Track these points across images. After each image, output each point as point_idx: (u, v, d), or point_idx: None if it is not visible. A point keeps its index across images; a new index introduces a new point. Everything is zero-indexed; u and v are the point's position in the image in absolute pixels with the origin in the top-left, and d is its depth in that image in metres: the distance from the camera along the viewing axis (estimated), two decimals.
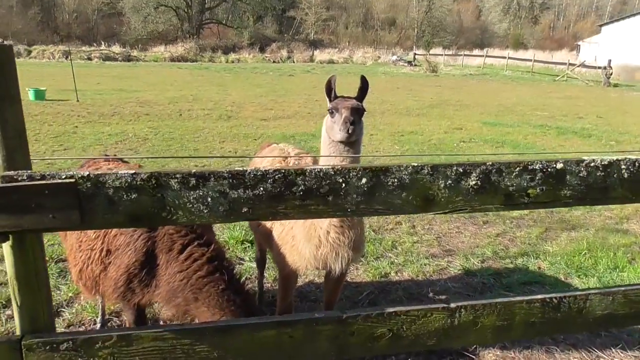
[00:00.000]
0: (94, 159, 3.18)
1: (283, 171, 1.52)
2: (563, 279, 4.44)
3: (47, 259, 4.25)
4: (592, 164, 1.73)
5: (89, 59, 36.82)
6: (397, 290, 4.16)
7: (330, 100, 2.39)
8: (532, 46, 59.81)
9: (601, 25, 49.67)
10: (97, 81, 21.17)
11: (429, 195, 1.64)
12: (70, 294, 3.70)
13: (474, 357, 3.23)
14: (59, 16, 53.68)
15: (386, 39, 62.37)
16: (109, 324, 3.38)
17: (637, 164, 1.72)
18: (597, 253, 4.92)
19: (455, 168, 1.64)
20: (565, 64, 35.61)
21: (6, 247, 1.47)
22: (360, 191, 1.58)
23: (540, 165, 1.69)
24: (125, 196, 1.43)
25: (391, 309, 1.81)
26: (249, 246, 4.77)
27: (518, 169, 1.69)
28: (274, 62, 43.35)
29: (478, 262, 4.79)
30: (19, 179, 1.37)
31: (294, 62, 44.33)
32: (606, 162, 1.73)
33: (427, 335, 1.84)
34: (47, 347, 1.52)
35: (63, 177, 1.40)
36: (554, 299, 1.94)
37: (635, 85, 29.90)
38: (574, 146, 10.84)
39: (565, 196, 1.75)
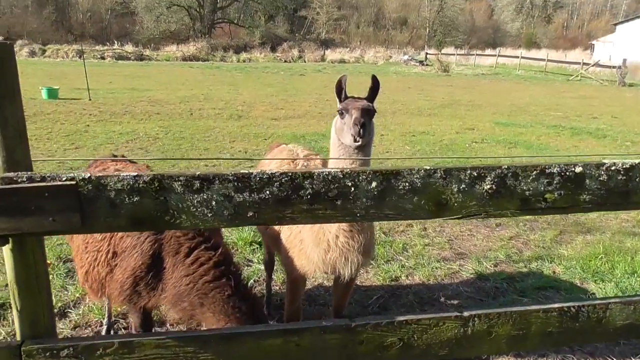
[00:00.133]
0: (99, 159, 3.15)
1: (290, 174, 1.47)
2: (579, 284, 4.33)
3: (55, 258, 4.26)
4: (613, 168, 1.66)
5: (102, 58, 37.14)
6: (408, 294, 4.09)
7: (340, 101, 2.33)
8: (545, 45, 59.17)
9: (616, 24, 49.02)
10: (109, 80, 21.31)
11: (442, 200, 1.59)
12: (77, 295, 3.68)
13: None
14: (73, 16, 54.26)
15: (398, 39, 62.14)
16: (115, 326, 3.35)
17: None
18: (613, 257, 4.79)
19: (469, 172, 1.58)
20: (579, 63, 35.10)
21: (6, 250, 1.44)
22: (370, 195, 1.53)
23: (559, 169, 1.63)
24: (127, 199, 1.39)
25: (402, 318, 1.75)
26: (257, 247, 4.72)
27: (535, 172, 1.62)
28: (285, 61, 43.36)
29: (491, 266, 4.70)
30: (19, 180, 1.33)
31: (305, 61, 44.29)
32: (628, 166, 1.66)
33: (439, 345, 1.78)
34: (47, 354, 1.48)
35: (64, 179, 1.36)
36: (572, 308, 1.86)
37: None
38: (588, 147, 10.65)
39: (585, 201, 1.68)
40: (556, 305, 1.86)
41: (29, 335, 1.52)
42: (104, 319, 3.32)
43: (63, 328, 3.30)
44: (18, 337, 1.53)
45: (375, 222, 3.10)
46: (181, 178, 1.41)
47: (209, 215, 1.45)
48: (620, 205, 1.73)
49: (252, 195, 1.45)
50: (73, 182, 1.35)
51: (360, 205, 1.53)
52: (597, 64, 34.99)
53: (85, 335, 3.24)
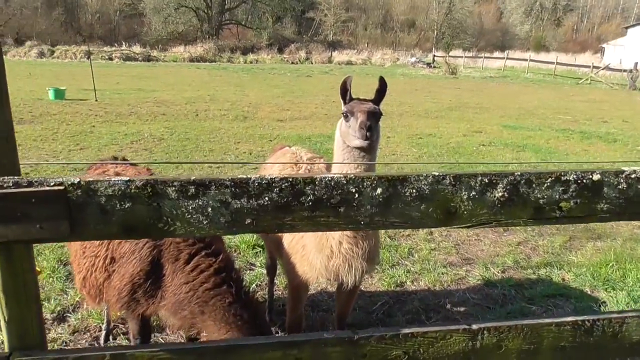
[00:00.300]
0: (97, 163, 3.08)
1: (290, 179, 1.40)
2: (589, 292, 4.22)
3: (56, 261, 4.21)
4: (633, 176, 1.58)
5: (110, 59, 37.31)
6: (413, 300, 4.00)
7: (345, 103, 2.25)
8: (555, 49, 58.77)
9: (627, 27, 48.62)
10: (116, 81, 21.38)
11: (451, 208, 1.51)
12: (77, 299, 3.62)
13: None
14: (82, 17, 54.59)
15: (405, 41, 61.98)
16: (114, 331, 3.29)
17: None
18: (625, 265, 4.68)
19: (480, 178, 1.50)
20: (589, 66, 34.79)
21: None
22: (375, 202, 1.45)
23: (575, 176, 1.55)
24: (118, 205, 1.32)
25: (407, 330, 1.68)
26: (260, 251, 4.65)
27: (550, 179, 1.54)
28: (292, 63, 43.35)
29: (498, 272, 4.59)
30: (5, 185, 1.26)
31: (312, 63, 44.26)
32: None
33: (446, 359, 1.70)
34: None
35: (52, 184, 1.29)
36: (586, 322, 1.78)
37: None
38: (598, 151, 10.50)
39: (602, 210, 1.60)
40: (570, 319, 1.78)
41: (18, 346, 1.45)
42: (103, 324, 3.26)
43: (62, 333, 3.25)
44: (6, 349, 1.46)
45: None
46: (175, 183, 1.34)
47: (205, 222, 1.38)
48: None
49: (251, 201, 1.39)
50: (61, 188, 1.28)
51: (364, 212, 1.46)
52: (607, 68, 34.68)
53: (85, 340, 3.18)
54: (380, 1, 65.04)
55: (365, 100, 2.24)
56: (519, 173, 1.52)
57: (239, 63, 41.04)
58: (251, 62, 41.71)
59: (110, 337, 3.23)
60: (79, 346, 3.08)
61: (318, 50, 49.08)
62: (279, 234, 2.77)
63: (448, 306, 3.95)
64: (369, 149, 2.15)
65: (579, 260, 4.88)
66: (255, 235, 4.87)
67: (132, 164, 3.09)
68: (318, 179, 1.41)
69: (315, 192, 1.41)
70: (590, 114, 16.71)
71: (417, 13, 65.92)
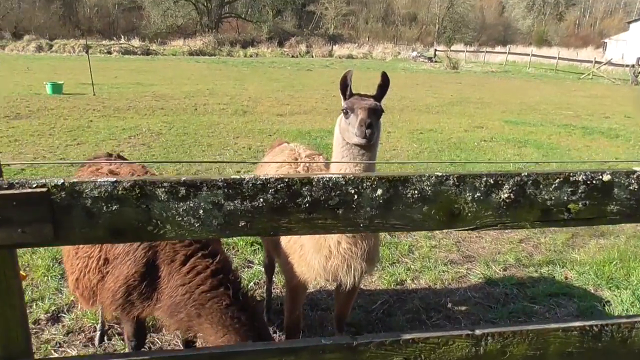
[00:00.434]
0: (90, 162, 3.01)
1: (286, 180, 1.33)
2: (593, 291, 4.16)
3: (51, 259, 4.15)
4: None
5: (109, 52, 37.11)
6: (414, 299, 3.94)
7: (345, 98, 2.18)
8: (557, 43, 58.40)
9: (630, 22, 48.36)
10: (115, 75, 21.24)
11: (454, 210, 1.45)
12: (71, 298, 3.56)
13: None
14: (81, 10, 54.27)
15: (406, 35, 61.66)
16: (109, 332, 3.23)
17: None
18: (629, 263, 4.61)
19: (485, 179, 1.44)
20: (591, 61, 34.60)
21: None
22: (375, 204, 1.39)
23: (584, 177, 1.48)
24: (105, 207, 1.26)
25: (408, 336, 1.62)
26: (258, 248, 4.59)
27: (558, 180, 1.48)
28: (292, 56, 43.14)
29: (500, 270, 4.53)
30: None
31: (312, 56, 44.04)
32: None
33: None
34: None
35: (34, 185, 1.22)
36: (594, 327, 1.72)
37: None
38: (600, 147, 10.42)
39: (612, 212, 1.54)
40: (577, 324, 1.72)
41: (2, 356, 1.39)
42: (97, 324, 3.20)
43: (55, 334, 3.19)
44: None
45: None
46: (165, 184, 1.27)
47: (196, 225, 1.31)
48: None
49: (244, 203, 1.32)
50: (44, 190, 1.22)
51: (363, 214, 1.39)
52: (609, 63, 34.49)
53: (79, 341, 3.13)
54: None
55: (366, 95, 2.16)
56: (525, 173, 1.45)
57: (239, 57, 40.84)
58: (251, 56, 41.51)
59: (105, 338, 3.18)
60: (73, 347, 3.03)
61: (318, 43, 48.83)
62: None
63: (449, 305, 3.89)
64: (368, 147, 2.08)
65: (582, 258, 4.82)
66: None
67: (124, 158, 3.02)
68: (315, 180, 1.34)
69: (313, 193, 1.35)
70: (592, 109, 16.60)
71: (419, 7, 65.55)
